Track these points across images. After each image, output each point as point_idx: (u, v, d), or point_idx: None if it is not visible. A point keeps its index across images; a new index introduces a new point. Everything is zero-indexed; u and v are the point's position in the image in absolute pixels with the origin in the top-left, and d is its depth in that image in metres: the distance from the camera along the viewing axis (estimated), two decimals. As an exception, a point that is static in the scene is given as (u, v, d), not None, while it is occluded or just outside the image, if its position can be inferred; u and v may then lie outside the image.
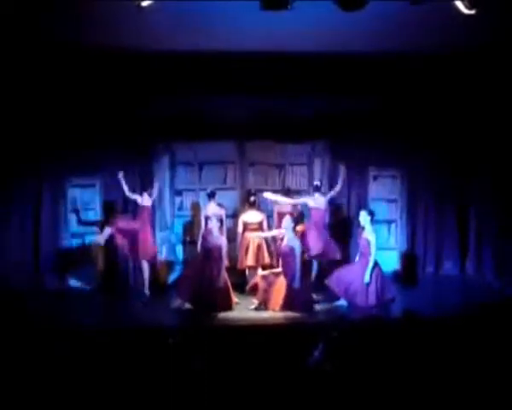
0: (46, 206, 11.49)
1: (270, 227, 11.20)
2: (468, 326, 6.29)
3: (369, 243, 9.84)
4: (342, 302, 9.99)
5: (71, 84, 10.80)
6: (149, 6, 8.18)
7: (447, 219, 12.14)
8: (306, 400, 5.60)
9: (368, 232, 9.93)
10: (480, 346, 5.72)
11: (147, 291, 10.62)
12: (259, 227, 10.98)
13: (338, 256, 10.64)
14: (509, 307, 9.37)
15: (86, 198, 11.76)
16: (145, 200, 10.86)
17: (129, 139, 11.48)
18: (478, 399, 5.15)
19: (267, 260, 10.82)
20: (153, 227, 11.26)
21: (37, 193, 11.44)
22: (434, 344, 5.67)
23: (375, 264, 9.81)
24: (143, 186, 11.48)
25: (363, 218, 10.01)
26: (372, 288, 9.70)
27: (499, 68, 10.55)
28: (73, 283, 11.48)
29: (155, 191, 11.11)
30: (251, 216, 11.01)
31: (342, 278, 9.92)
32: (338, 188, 10.95)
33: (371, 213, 10.07)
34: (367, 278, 9.68)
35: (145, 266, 10.74)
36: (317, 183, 11.05)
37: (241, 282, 10.80)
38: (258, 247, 10.88)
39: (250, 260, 10.83)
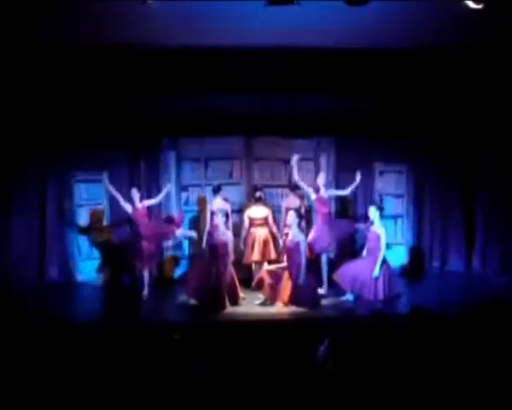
0: (51, 202, 11.51)
1: (276, 222, 11.22)
2: (473, 324, 6.28)
3: (378, 237, 9.86)
4: (349, 297, 10.01)
5: (75, 82, 10.78)
6: (155, 3, 8.19)
7: (453, 215, 12.14)
8: (312, 395, 5.61)
9: (377, 227, 9.96)
10: (484, 344, 5.71)
11: (145, 293, 10.37)
12: (265, 222, 10.98)
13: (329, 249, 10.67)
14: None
15: (92, 193, 11.79)
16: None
17: (135, 135, 11.51)
18: (482, 397, 5.15)
19: (273, 255, 10.82)
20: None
21: (43, 189, 11.47)
22: (440, 341, 5.67)
23: (383, 258, 9.85)
24: (149, 182, 11.58)
25: (372, 213, 10.03)
26: (380, 282, 9.74)
27: (504, 64, 10.51)
28: (81, 277, 11.59)
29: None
30: (256, 211, 11.01)
31: (350, 272, 9.94)
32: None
33: (380, 208, 10.09)
34: (376, 273, 9.71)
35: (146, 273, 10.49)
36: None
37: (247, 277, 10.80)
38: (264, 242, 10.87)
39: (256, 256, 10.83)
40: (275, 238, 10.97)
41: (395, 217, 12.24)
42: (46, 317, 8.75)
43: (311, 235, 10.63)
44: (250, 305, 9.90)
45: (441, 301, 9.43)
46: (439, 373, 5.34)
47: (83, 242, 11.75)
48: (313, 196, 10.73)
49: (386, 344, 5.72)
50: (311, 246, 10.38)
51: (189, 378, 5.56)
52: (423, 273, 11.79)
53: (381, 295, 9.70)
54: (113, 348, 6.02)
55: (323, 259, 10.69)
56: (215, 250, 9.87)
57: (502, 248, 11.42)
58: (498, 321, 6.36)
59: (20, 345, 6.09)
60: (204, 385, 5.66)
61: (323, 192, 10.70)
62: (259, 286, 10.07)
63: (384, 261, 9.82)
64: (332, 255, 10.70)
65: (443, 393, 5.20)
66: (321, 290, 10.21)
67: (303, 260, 9.65)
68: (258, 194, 11.04)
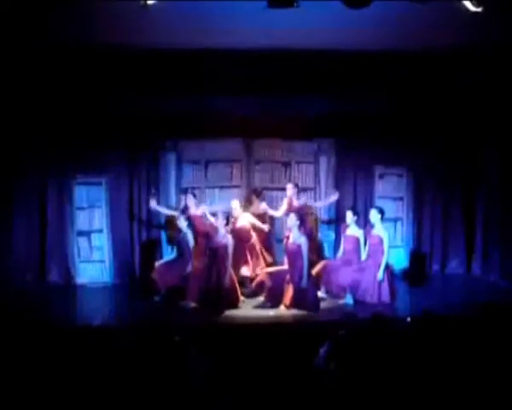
0: (52, 204, 11.50)
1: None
2: (474, 326, 6.29)
3: (381, 240, 9.89)
4: (349, 300, 10.00)
5: (76, 83, 10.78)
6: (155, 5, 8.18)
7: (454, 218, 12.17)
8: (312, 398, 5.61)
9: (379, 230, 9.99)
10: (485, 347, 5.72)
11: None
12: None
13: None
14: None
15: (93, 196, 11.78)
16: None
17: (135, 137, 11.50)
18: (483, 400, 5.15)
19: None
20: None
21: (43, 191, 11.46)
22: (443, 343, 5.68)
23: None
24: (149, 184, 11.60)
25: (374, 216, 10.05)
26: (385, 285, 9.76)
27: (504, 67, 10.52)
28: (81, 280, 11.58)
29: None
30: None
31: (351, 276, 9.95)
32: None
33: (381, 212, 10.09)
34: (380, 275, 9.74)
35: None
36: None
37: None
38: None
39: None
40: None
41: (395, 220, 12.22)
42: (46, 319, 8.74)
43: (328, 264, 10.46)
44: (250, 308, 9.86)
45: (442, 304, 9.43)
46: (440, 374, 5.34)
47: (83, 244, 11.75)
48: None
49: (388, 346, 5.73)
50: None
51: (189, 380, 5.56)
52: (424, 276, 11.78)
53: (386, 299, 9.72)
54: (112, 350, 6.02)
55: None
56: (215, 252, 9.86)
57: (502, 251, 11.43)
58: (499, 324, 6.37)
59: (20, 347, 6.08)
60: (204, 387, 5.65)
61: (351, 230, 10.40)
62: (259, 289, 10.06)
63: (386, 264, 9.85)
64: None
65: (444, 393, 5.20)
66: (320, 293, 10.18)
67: (305, 263, 9.60)
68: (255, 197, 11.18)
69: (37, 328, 6.92)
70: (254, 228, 10.80)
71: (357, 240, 10.24)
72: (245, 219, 10.75)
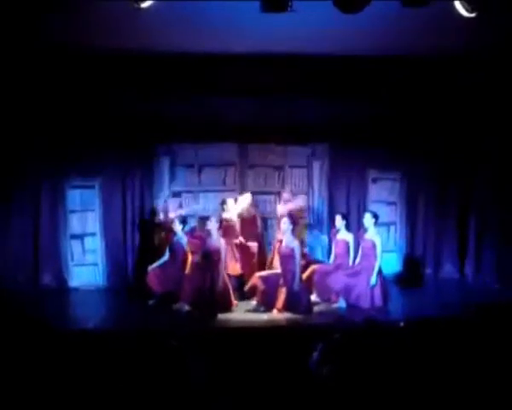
0: (45, 207, 11.48)
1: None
2: (468, 330, 6.29)
3: (374, 245, 9.89)
4: (341, 304, 10.01)
5: (71, 86, 10.79)
6: (150, 7, 8.18)
7: (447, 222, 12.17)
8: (306, 402, 5.59)
9: (373, 234, 9.99)
10: (479, 350, 5.72)
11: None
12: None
13: None
14: (507, 310, 9.35)
15: (86, 199, 11.76)
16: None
17: (129, 140, 11.49)
18: (478, 403, 5.15)
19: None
20: None
21: (37, 194, 11.43)
22: (438, 347, 5.67)
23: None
24: (143, 188, 11.58)
25: (368, 220, 10.05)
26: (377, 289, 9.76)
27: (500, 71, 10.56)
28: (74, 283, 11.55)
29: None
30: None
31: (344, 281, 9.95)
32: None
33: (376, 216, 10.10)
34: (373, 280, 9.74)
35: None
36: None
37: (240, 284, 10.75)
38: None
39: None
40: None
41: (388, 224, 12.23)
42: (41, 321, 8.71)
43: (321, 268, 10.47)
44: (243, 311, 9.85)
45: (435, 308, 9.46)
46: (435, 378, 5.34)
47: (76, 247, 11.72)
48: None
49: (381, 349, 5.72)
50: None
51: (188, 386, 5.54)
52: (419, 281, 11.79)
53: (378, 303, 9.73)
54: (108, 354, 6.00)
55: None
56: (208, 256, 9.86)
57: (495, 255, 11.45)
58: (493, 325, 6.38)
59: (14, 351, 6.06)
60: (202, 394, 5.64)
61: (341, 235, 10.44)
62: (252, 292, 10.07)
63: (379, 269, 9.86)
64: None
65: (439, 397, 5.20)
66: (313, 297, 10.18)
67: (297, 267, 9.64)
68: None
69: (30, 331, 6.91)
70: (244, 223, 10.94)
71: (348, 244, 10.29)
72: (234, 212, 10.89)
